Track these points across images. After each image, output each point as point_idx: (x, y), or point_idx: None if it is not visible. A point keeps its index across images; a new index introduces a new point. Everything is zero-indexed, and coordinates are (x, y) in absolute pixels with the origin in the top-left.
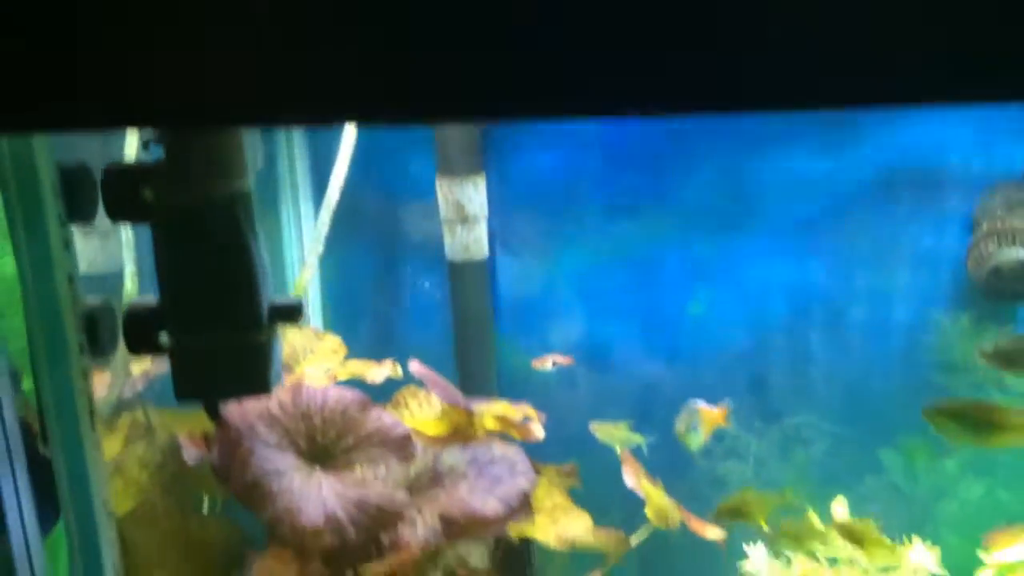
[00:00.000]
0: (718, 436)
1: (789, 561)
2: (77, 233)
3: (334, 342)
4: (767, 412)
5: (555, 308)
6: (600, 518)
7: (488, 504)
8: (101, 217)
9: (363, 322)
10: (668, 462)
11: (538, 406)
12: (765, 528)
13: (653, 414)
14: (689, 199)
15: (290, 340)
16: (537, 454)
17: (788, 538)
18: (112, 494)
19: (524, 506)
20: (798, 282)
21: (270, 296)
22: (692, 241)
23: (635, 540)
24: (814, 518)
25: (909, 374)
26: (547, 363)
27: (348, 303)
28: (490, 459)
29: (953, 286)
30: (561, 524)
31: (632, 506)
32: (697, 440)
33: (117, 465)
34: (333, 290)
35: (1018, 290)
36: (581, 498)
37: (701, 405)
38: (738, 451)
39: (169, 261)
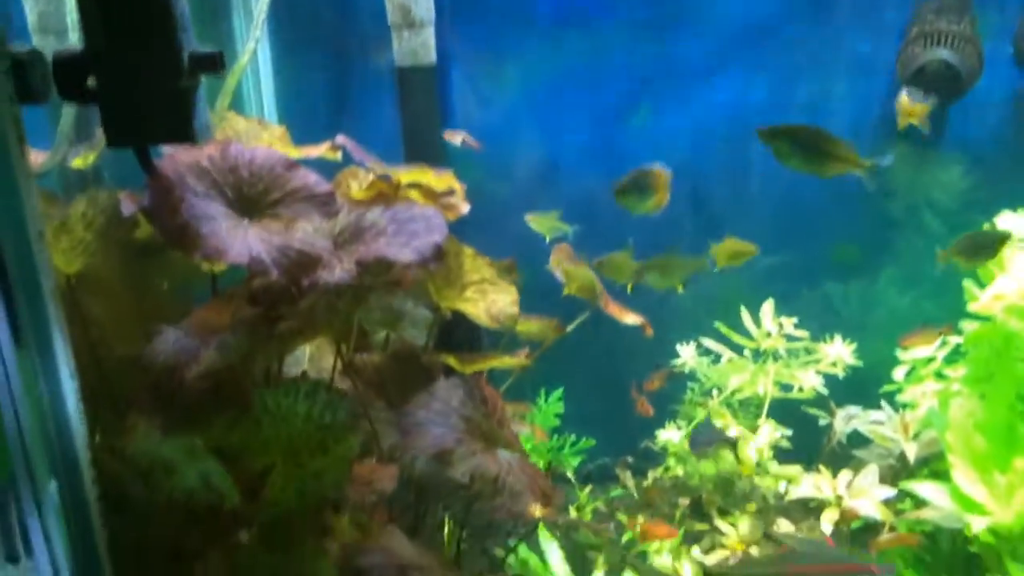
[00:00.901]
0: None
1: (718, 358)
2: None
3: (279, 131)
4: (707, 224)
5: (503, 118)
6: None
7: (403, 253)
8: None
9: (315, 128)
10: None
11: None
12: (680, 290)
13: (597, 217)
14: (636, 12)
15: (234, 126)
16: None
17: (716, 338)
18: (59, 254)
19: (437, 257)
20: (739, 93)
21: (190, 46)
22: (637, 54)
23: (572, 325)
24: (745, 318)
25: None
26: (457, 138)
27: (301, 115)
28: (409, 216)
29: (889, 94)
30: (490, 297)
31: (577, 304)
32: (644, 207)
33: (62, 223)
34: (288, 103)
35: (941, 90)
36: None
37: (657, 167)
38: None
39: (93, 8)
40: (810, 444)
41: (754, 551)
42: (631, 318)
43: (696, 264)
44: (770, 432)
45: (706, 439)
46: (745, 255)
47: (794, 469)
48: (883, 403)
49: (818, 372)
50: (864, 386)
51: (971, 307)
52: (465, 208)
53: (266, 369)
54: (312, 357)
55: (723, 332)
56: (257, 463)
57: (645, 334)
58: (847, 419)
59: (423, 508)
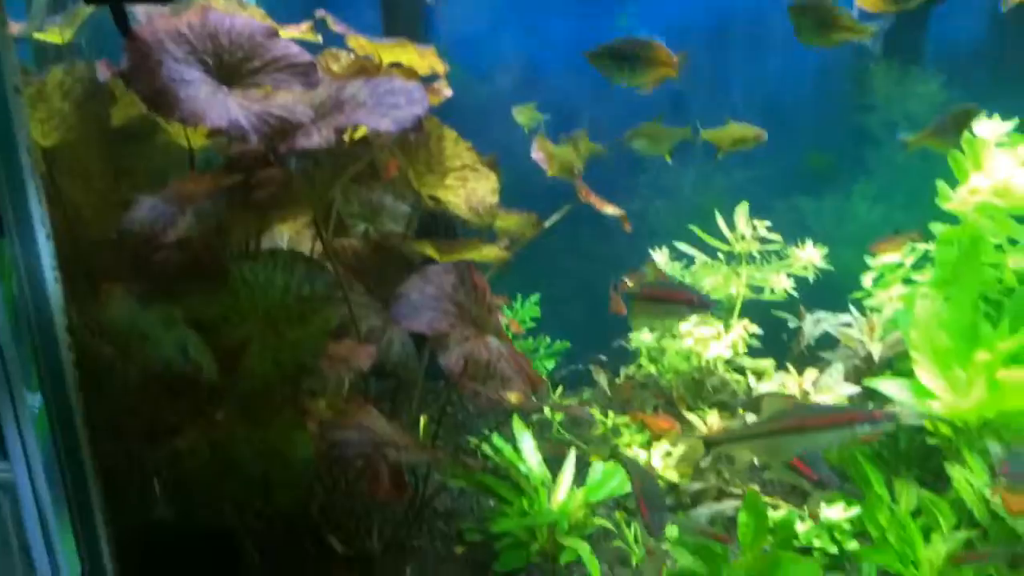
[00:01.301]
0: (642, 168)
1: (691, 261)
2: None
3: (258, 12)
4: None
5: (489, 25)
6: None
7: (382, 123)
8: None
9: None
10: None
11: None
12: (668, 160)
13: (576, 117)
14: None
15: (212, 4)
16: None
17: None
18: (35, 124)
19: (416, 127)
20: None
21: None
22: None
23: (550, 220)
24: (720, 223)
25: (822, 90)
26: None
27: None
28: (389, 89)
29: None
30: (470, 185)
31: (555, 198)
32: (637, 81)
33: (39, 91)
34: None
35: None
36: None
37: (655, 39)
38: (660, 179)
39: None
40: (780, 346)
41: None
42: (610, 208)
43: (681, 133)
44: (742, 330)
45: None
46: (750, 140)
47: (766, 362)
48: (851, 308)
49: (789, 275)
50: (834, 294)
51: (944, 206)
52: (448, 92)
53: (244, 243)
54: (291, 240)
55: (698, 235)
56: (235, 335)
57: (624, 228)
58: (816, 322)
59: (400, 397)
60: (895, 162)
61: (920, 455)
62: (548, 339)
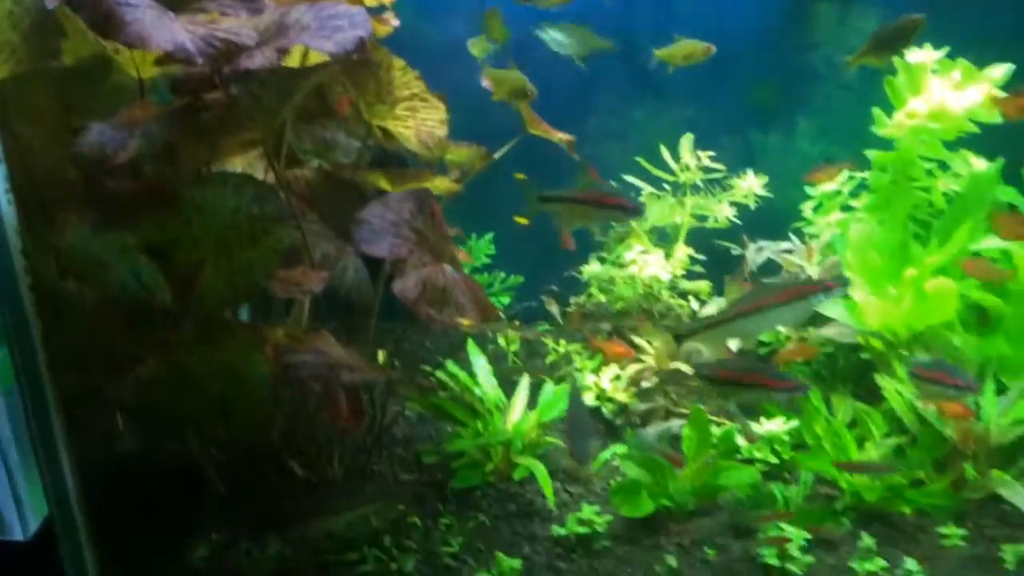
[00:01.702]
0: (594, 111)
1: (639, 192)
2: None
3: None
4: (634, 70)
5: None
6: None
7: (325, 45)
8: None
9: None
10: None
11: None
12: (582, 65)
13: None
14: None
15: None
16: None
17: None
18: None
19: (358, 49)
20: None
21: None
22: None
23: (500, 152)
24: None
25: (766, 27)
26: None
27: None
28: (333, 14)
29: None
30: (420, 115)
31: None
32: None
33: None
34: None
35: None
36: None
37: None
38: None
39: None
40: (725, 273)
41: (679, 365)
42: (559, 135)
43: (603, 43)
44: (683, 255)
45: None
46: (699, 54)
47: (703, 283)
48: (792, 236)
49: (731, 203)
50: (778, 223)
51: (879, 132)
52: (395, 22)
53: (196, 172)
54: (243, 171)
55: (646, 169)
56: (188, 258)
57: (571, 155)
58: (758, 250)
59: (356, 330)
60: (837, 97)
61: (856, 371)
62: (503, 275)
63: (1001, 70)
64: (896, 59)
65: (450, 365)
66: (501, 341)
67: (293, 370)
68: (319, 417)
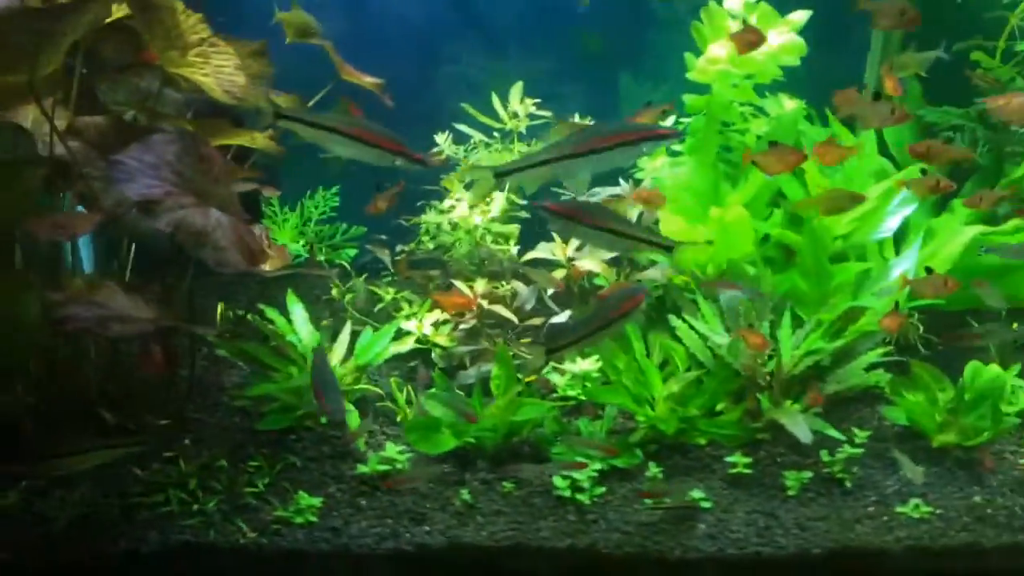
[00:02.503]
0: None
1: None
2: None
3: None
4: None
5: None
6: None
7: None
8: None
9: None
10: None
11: None
12: None
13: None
14: None
15: None
16: None
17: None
18: None
19: None
20: None
21: None
22: None
23: (313, 100)
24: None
25: None
26: None
27: None
28: None
29: None
30: (214, 63)
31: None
32: None
33: None
34: None
35: None
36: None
37: None
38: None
39: None
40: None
41: (500, 309)
42: (368, 79)
43: None
44: (502, 201)
45: None
46: None
47: (512, 227)
48: (621, 180)
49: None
50: (612, 170)
51: (689, 75)
52: None
53: None
54: (35, 121)
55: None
56: None
57: (384, 102)
58: (590, 195)
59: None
60: (671, 43)
61: (676, 310)
62: (344, 226)
63: (801, 15)
64: (704, 6)
65: (269, 311)
66: (334, 291)
67: (62, 323)
68: (136, 367)
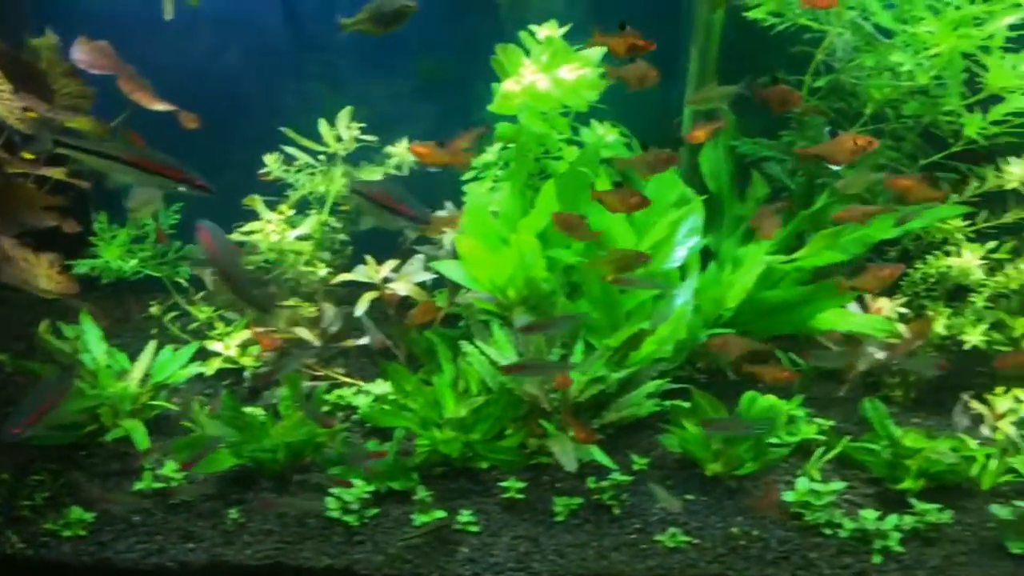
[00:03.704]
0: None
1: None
2: None
3: None
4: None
5: None
6: None
7: None
8: None
9: None
10: None
11: None
12: None
13: None
14: None
15: None
16: None
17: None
18: None
19: None
20: None
21: None
22: None
23: (116, 121)
24: None
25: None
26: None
27: None
28: None
29: None
30: None
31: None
32: None
33: None
34: None
35: None
36: None
37: None
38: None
39: None
40: (387, 244)
41: (301, 331)
42: (159, 105)
43: None
44: (312, 223)
45: None
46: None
47: (305, 245)
48: (448, 204)
49: (385, 173)
50: (449, 193)
51: (490, 107)
52: None
53: None
54: None
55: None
56: None
57: (186, 124)
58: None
59: None
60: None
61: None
62: (181, 243)
63: (595, 52)
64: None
65: (68, 331)
66: (154, 310)
67: None
68: None
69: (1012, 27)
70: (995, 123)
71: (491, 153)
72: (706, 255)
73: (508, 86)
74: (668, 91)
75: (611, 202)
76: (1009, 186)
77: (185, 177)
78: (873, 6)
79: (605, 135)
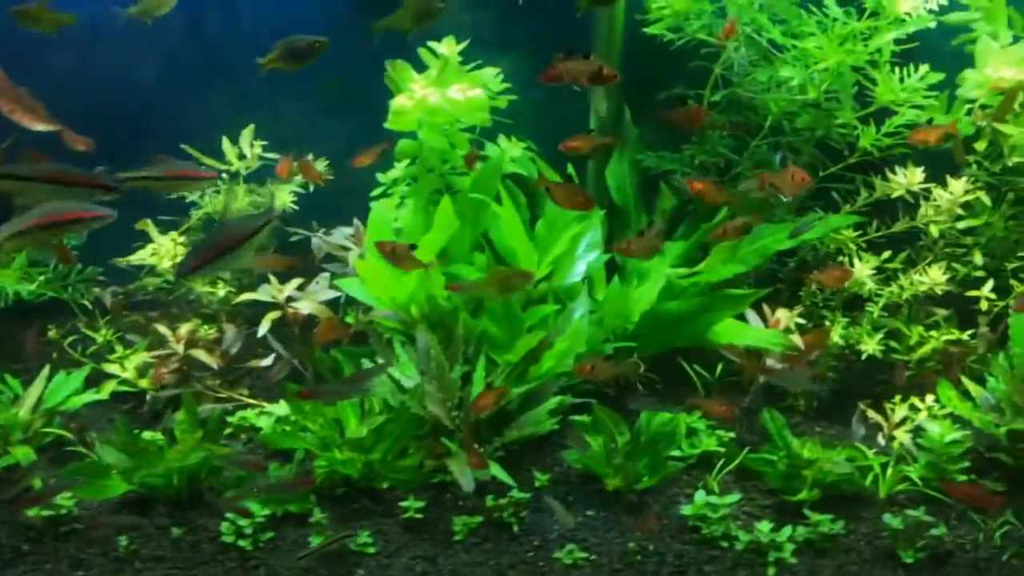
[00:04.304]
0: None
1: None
2: None
3: None
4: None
5: None
6: None
7: None
8: None
9: None
10: None
11: None
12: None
13: None
14: None
15: None
16: None
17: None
18: None
19: None
20: None
21: None
22: None
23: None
24: None
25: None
26: None
27: None
28: None
29: None
30: None
31: None
32: None
33: None
34: None
35: None
36: None
37: None
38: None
39: None
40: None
41: (200, 354)
42: (42, 125)
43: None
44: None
45: None
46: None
47: None
48: (356, 221)
49: (292, 191)
50: (359, 210)
51: (386, 124)
52: None
53: None
54: None
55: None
56: None
57: (75, 146)
58: (326, 234)
59: None
60: None
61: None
62: (80, 266)
63: (489, 72)
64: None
65: None
66: (52, 334)
67: None
68: None
69: (899, 41)
70: (888, 135)
71: (398, 169)
72: (614, 268)
73: (400, 101)
74: (575, 106)
75: (559, 197)
76: (895, 195)
77: (101, 184)
78: (764, 22)
79: (509, 150)
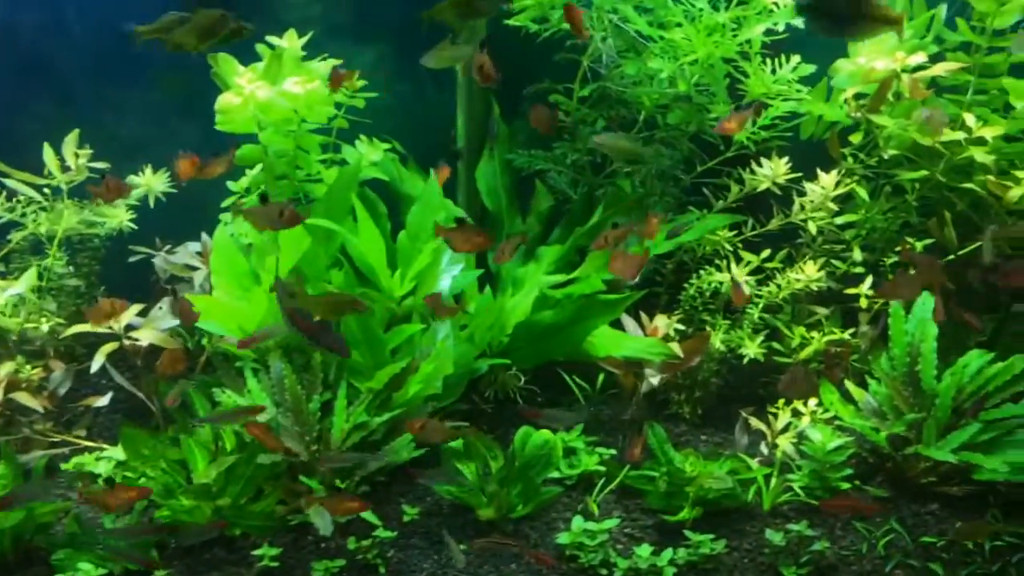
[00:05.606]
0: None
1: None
2: None
3: None
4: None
5: None
6: None
7: None
8: None
9: None
10: None
11: None
12: None
13: None
14: None
15: None
16: None
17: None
18: None
19: None
20: None
21: None
22: None
23: None
24: None
25: None
26: None
27: None
28: None
29: None
30: None
31: None
32: None
33: None
34: None
35: None
36: None
37: None
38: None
39: None
40: (144, 281)
41: (22, 396)
42: None
43: None
44: (30, 277)
45: None
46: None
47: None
48: (204, 236)
49: (129, 207)
50: (210, 225)
51: (215, 126)
52: None
53: None
54: None
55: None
56: None
57: None
58: (170, 253)
59: None
60: None
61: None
62: None
63: (324, 66)
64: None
65: None
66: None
67: None
68: None
69: (770, 32)
70: (764, 128)
71: (248, 177)
72: (488, 276)
73: (226, 99)
74: (442, 103)
75: (457, 243)
76: (761, 187)
77: None
78: (628, 12)
79: (368, 153)
